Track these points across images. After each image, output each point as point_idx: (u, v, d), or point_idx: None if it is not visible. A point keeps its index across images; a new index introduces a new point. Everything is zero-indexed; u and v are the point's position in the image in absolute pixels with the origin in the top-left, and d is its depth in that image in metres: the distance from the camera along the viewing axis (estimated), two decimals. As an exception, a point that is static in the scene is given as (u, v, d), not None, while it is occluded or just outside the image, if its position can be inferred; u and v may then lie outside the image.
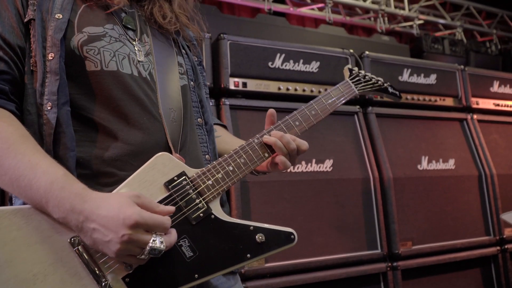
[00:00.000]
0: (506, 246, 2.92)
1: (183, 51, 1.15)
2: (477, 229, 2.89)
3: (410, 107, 2.95)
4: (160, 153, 0.88)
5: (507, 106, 3.39)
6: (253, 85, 2.44)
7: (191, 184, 0.89)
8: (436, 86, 3.05)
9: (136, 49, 1.00)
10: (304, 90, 2.58)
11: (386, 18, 4.47)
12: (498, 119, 3.30)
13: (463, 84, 3.17)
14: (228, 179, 0.93)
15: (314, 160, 2.44)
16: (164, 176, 0.85)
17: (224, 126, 1.36)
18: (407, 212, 2.65)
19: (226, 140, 1.25)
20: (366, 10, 4.28)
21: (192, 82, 1.12)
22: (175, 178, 0.88)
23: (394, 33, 4.67)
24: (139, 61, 0.98)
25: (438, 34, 4.63)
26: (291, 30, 3.44)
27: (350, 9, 4.39)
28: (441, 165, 2.86)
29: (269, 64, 2.50)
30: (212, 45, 2.44)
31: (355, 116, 2.70)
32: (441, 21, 4.62)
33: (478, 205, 2.93)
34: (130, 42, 1.00)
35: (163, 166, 0.85)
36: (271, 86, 2.50)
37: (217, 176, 0.92)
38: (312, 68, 2.63)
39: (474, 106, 3.21)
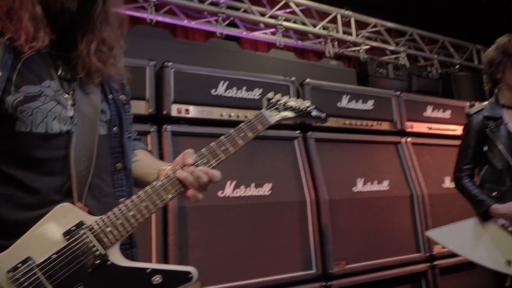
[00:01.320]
0: (435, 263, 3.14)
1: (109, 96, 1.20)
2: (409, 247, 3.09)
3: (348, 131, 3.14)
4: (60, 205, 0.94)
5: (440, 129, 3.65)
6: (196, 111, 2.54)
7: (89, 232, 0.96)
8: (373, 112, 3.26)
9: (69, 103, 1.06)
10: (246, 116, 2.70)
11: (336, 43, 4.70)
12: (431, 141, 3.55)
13: (398, 109, 3.40)
14: (128, 224, 0.99)
15: (253, 185, 2.56)
16: (63, 227, 0.92)
17: (149, 150, 1.39)
18: (342, 233, 2.81)
19: (146, 163, 1.28)
20: (317, 35, 4.49)
21: (115, 128, 1.17)
22: (73, 228, 0.94)
23: (344, 57, 4.91)
24: (68, 117, 1.04)
25: (383, 58, 4.91)
26: (242, 55, 3.56)
27: (302, 34, 4.59)
28: (375, 187, 3.05)
29: (212, 91, 2.61)
30: (156, 73, 2.53)
31: (295, 141, 2.85)
32: (386, 46, 4.90)
33: (409, 224, 3.14)
34: (64, 96, 1.05)
35: (62, 217, 0.92)
36: (214, 113, 2.61)
37: (116, 222, 0.98)
38: (254, 95, 2.77)
39: (409, 129, 3.44)
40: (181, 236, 2.23)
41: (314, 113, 1.38)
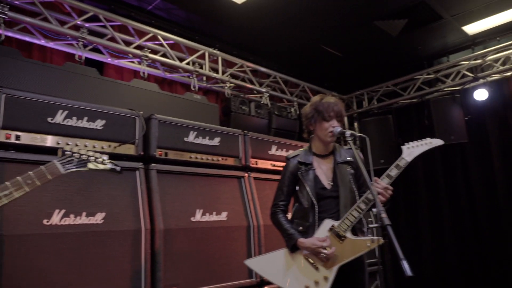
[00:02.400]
0: (265, 287, 3.47)
1: None
2: (241, 273, 3.37)
3: (193, 165, 3.36)
4: None
5: (281, 166, 4.06)
6: (28, 138, 2.53)
7: None
8: (219, 148, 3.55)
9: None
10: (85, 145, 2.76)
11: (204, 78, 4.99)
12: (273, 177, 3.95)
13: (244, 146, 3.75)
14: None
15: (84, 213, 2.61)
16: None
17: None
18: (176, 260, 2.97)
19: None
20: (184, 69, 4.72)
21: None
22: None
23: (212, 92, 5.23)
24: None
25: (249, 96, 5.33)
26: (102, 82, 3.57)
27: (170, 67, 4.78)
28: (214, 217, 3.30)
29: (49, 119, 2.63)
30: (-13, 96, 2.47)
31: (137, 171, 2.97)
32: (250, 86, 5.34)
33: (244, 252, 3.44)
34: None
35: None
36: (49, 141, 2.61)
37: None
38: (96, 126, 2.84)
39: (253, 165, 3.80)
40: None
41: (110, 166, 1.57)
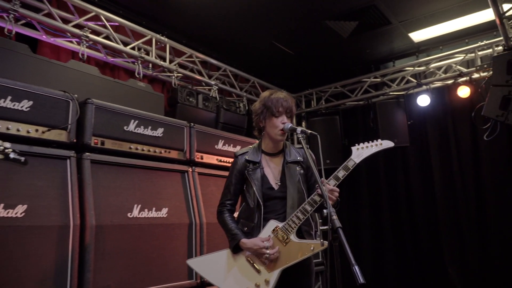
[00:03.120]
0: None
1: None
2: (181, 274, 3.17)
3: (133, 156, 3.11)
4: None
5: (229, 162, 3.93)
6: None
7: None
8: (162, 139, 3.32)
9: None
10: (8, 128, 2.43)
11: (150, 65, 4.71)
12: (218, 173, 3.79)
13: (189, 139, 3.54)
14: None
15: (1, 206, 2.28)
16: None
17: None
18: (108, 260, 2.72)
19: None
20: (129, 55, 4.41)
21: None
22: None
23: (157, 81, 4.95)
24: None
25: (196, 88, 5.10)
26: (34, 61, 3.22)
27: (114, 50, 4.45)
28: (153, 214, 3.07)
29: (-37, 96, 2.28)
30: None
31: (68, 161, 2.67)
32: (199, 78, 5.12)
33: (185, 251, 3.24)
34: None
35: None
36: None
37: None
38: (22, 107, 2.51)
39: (198, 160, 3.61)
40: None
41: (12, 155, 1.37)
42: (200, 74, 5.23)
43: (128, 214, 2.92)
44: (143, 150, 3.16)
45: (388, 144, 2.43)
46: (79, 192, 2.66)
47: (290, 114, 2.45)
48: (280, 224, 2.28)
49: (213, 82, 5.23)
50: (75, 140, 2.77)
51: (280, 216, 2.33)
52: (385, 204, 5.93)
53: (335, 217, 1.82)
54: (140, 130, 3.15)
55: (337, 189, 2.27)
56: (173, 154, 3.40)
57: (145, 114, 3.24)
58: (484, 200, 5.16)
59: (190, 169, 3.48)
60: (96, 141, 2.86)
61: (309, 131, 2.37)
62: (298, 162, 2.47)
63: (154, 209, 3.08)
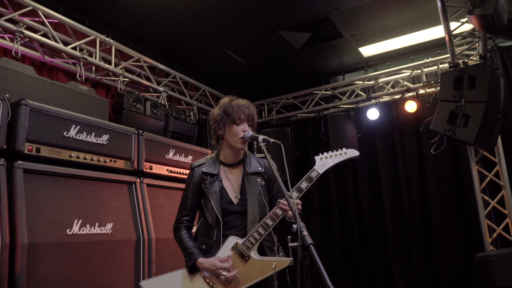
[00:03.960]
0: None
1: None
2: (126, 296, 2.87)
3: (73, 165, 2.79)
4: None
5: (180, 173, 3.69)
6: None
7: None
8: (107, 147, 3.02)
9: None
10: None
11: (94, 68, 4.36)
12: (169, 184, 3.53)
13: (137, 148, 3.27)
14: None
15: None
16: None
17: None
18: (43, 283, 2.37)
19: None
20: (70, 55, 4.05)
21: None
22: None
23: (102, 85, 4.60)
24: None
25: (144, 95, 4.80)
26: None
27: (53, 50, 4.07)
28: (96, 229, 2.76)
29: None
30: None
31: (-5, 170, 2.31)
32: (146, 83, 4.84)
33: (131, 271, 2.95)
34: None
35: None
36: None
37: None
38: None
39: (147, 170, 3.34)
40: None
41: None
42: (148, 80, 4.95)
43: (67, 231, 2.58)
44: (85, 158, 2.84)
45: (353, 153, 2.35)
46: (9, 206, 2.30)
47: (251, 122, 2.30)
48: (240, 241, 2.13)
49: (161, 89, 4.97)
50: (5, 146, 2.41)
51: (240, 232, 2.17)
52: (335, 216, 5.94)
53: (305, 232, 1.68)
54: (82, 136, 2.84)
55: (300, 202, 2.16)
56: (119, 164, 3.11)
57: (88, 119, 2.93)
58: (430, 210, 5.32)
59: (138, 180, 3.20)
60: (30, 147, 2.51)
61: (272, 140, 2.23)
62: (259, 173, 2.32)
63: (97, 224, 2.77)
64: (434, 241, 5.22)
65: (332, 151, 2.34)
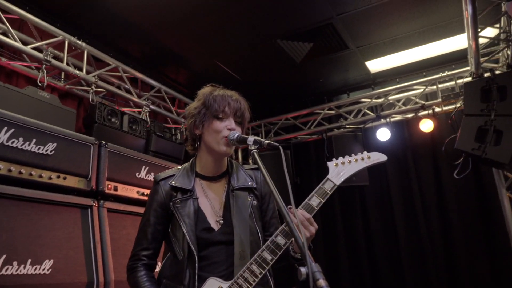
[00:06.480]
0: None
1: None
2: None
3: (3, 181, 2.09)
4: None
5: (153, 196, 2.99)
6: None
7: None
8: (54, 159, 2.34)
9: None
10: None
11: (62, 74, 3.76)
12: (139, 210, 2.82)
13: (98, 162, 2.59)
14: None
15: None
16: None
17: None
18: None
19: None
20: (31, 56, 3.44)
21: None
22: None
23: (73, 95, 3.97)
24: None
25: (123, 109, 4.17)
26: None
27: (15, 52, 3.47)
28: (27, 269, 2.03)
29: None
30: None
31: None
32: (125, 95, 4.22)
33: (77, 325, 2.20)
34: None
35: None
36: None
37: None
38: None
39: (110, 191, 2.65)
40: None
41: None
42: (128, 92, 4.32)
43: (-18, 271, 1.87)
44: (20, 172, 2.15)
45: (379, 157, 1.71)
46: None
47: (240, 119, 1.68)
48: (225, 285, 1.46)
49: (144, 102, 4.35)
50: None
51: (224, 272, 1.52)
52: (343, 250, 5.18)
53: (323, 282, 0.98)
54: (17, 143, 2.16)
55: (314, 222, 1.49)
56: (71, 181, 2.41)
57: (25, 120, 2.25)
58: (452, 240, 4.59)
59: (95, 204, 2.50)
60: None
61: (267, 141, 1.57)
62: (249, 188, 1.68)
63: (29, 261, 2.04)
64: (460, 284, 4.43)
65: (350, 155, 1.68)
